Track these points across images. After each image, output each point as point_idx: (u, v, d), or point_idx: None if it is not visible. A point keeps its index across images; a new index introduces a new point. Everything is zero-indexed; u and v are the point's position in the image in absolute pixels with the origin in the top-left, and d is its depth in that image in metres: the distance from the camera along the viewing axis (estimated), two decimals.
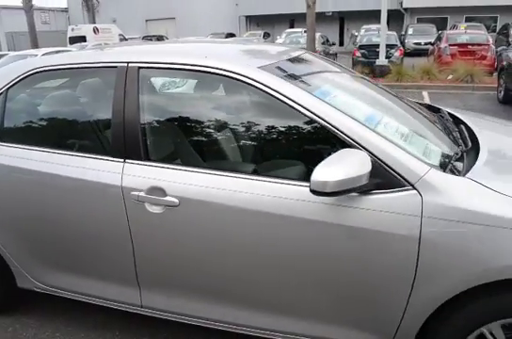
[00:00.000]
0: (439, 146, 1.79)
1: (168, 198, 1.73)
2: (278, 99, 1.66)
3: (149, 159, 1.82)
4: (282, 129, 1.80)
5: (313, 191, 1.43)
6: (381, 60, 11.67)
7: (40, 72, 2.05)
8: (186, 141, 1.95)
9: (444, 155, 1.70)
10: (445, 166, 1.61)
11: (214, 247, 1.74)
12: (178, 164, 1.80)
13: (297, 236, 1.62)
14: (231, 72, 1.73)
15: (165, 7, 30.68)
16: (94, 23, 28.37)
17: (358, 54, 13.21)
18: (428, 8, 23.65)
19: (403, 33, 22.43)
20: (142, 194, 1.77)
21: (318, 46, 14.20)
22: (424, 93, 9.99)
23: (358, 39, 15.17)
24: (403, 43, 21.03)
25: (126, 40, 24.84)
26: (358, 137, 1.55)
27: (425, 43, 17.86)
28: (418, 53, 17.97)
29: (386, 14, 11.22)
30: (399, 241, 1.51)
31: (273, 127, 1.81)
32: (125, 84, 1.84)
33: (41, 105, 2.16)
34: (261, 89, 1.68)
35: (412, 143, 1.67)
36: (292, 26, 28.22)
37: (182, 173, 1.74)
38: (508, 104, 8.05)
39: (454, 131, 2.13)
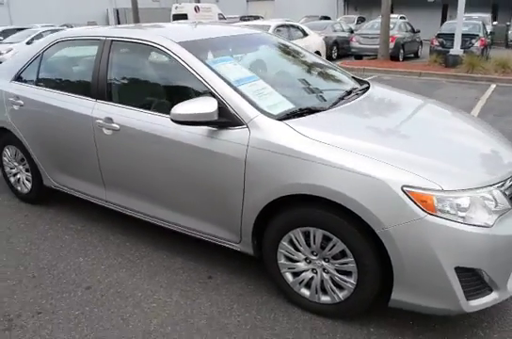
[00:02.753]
0: (294, 103, 2.40)
1: (113, 124, 2.65)
2: (180, 63, 2.44)
3: (110, 100, 2.74)
4: (182, 83, 2.56)
5: (172, 120, 2.22)
6: (455, 50, 11.39)
7: (62, 41, 3.10)
8: (130, 89, 2.80)
9: (287, 109, 2.32)
10: (278, 114, 2.24)
11: (138, 158, 2.60)
12: (122, 103, 2.67)
13: (178, 153, 2.39)
14: (158, 44, 2.55)
15: None
16: (198, 2, 30.19)
17: (436, 42, 12.91)
18: None
19: (508, 23, 20.80)
20: (101, 122, 2.71)
21: (398, 33, 14.07)
22: (492, 86, 9.70)
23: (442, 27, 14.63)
24: (506, 34, 19.60)
25: (225, 19, 26.06)
26: (218, 89, 2.28)
27: None
28: None
29: (464, 1, 10.86)
30: (235, 161, 2.20)
31: (178, 81, 2.59)
32: (102, 50, 2.79)
33: (60, 63, 3.20)
34: (173, 57, 2.48)
35: (265, 98, 2.32)
36: (391, 11, 27.37)
37: (122, 109, 2.64)
38: None
39: (342, 98, 2.67)
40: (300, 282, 2.28)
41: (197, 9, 25.41)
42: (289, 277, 2.31)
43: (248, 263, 2.72)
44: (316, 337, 2.16)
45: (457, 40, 11.24)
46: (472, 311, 1.99)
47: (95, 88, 2.80)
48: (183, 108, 2.18)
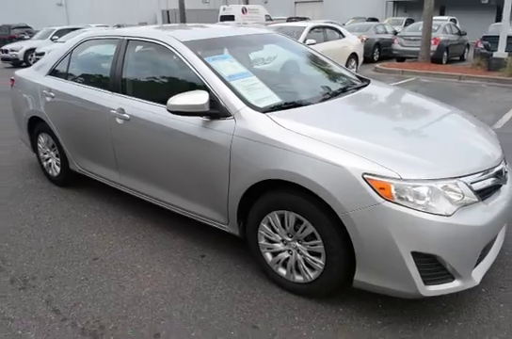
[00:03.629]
0: (283, 97, 2.60)
1: (125, 114, 2.96)
2: (183, 61, 2.71)
3: (123, 93, 3.06)
4: (183, 78, 2.80)
5: (168, 110, 2.48)
6: (499, 53, 11.04)
7: (88, 40, 3.48)
8: (140, 83, 3.09)
9: (273, 102, 2.53)
10: (263, 107, 2.45)
11: (145, 144, 2.89)
12: (133, 96, 2.98)
13: (177, 141, 2.66)
14: (165, 43, 2.84)
15: None
16: (247, 3, 30.68)
17: (480, 45, 12.50)
18: None
19: None
20: (115, 112, 3.03)
21: (442, 35, 13.75)
22: None
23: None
24: None
25: (272, 20, 26.33)
26: (211, 84, 2.52)
27: None
28: None
29: (511, 2, 10.51)
30: (222, 149, 2.44)
31: (180, 76, 2.84)
32: (120, 48, 3.12)
33: (85, 59, 3.56)
34: (177, 55, 2.76)
35: (254, 93, 2.52)
36: (442, 13, 26.66)
37: (133, 101, 2.94)
38: None
39: (334, 94, 2.87)
40: (278, 262, 2.47)
41: (244, 11, 25.85)
42: (268, 257, 2.51)
43: (241, 245, 2.94)
44: (287, 312, 2.35)
45: (502, 43, 10.90)
46: (431, 295, 2.10)
47: (112, 82, 3.13)
48: (177, 100, 2.43)
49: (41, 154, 4.13)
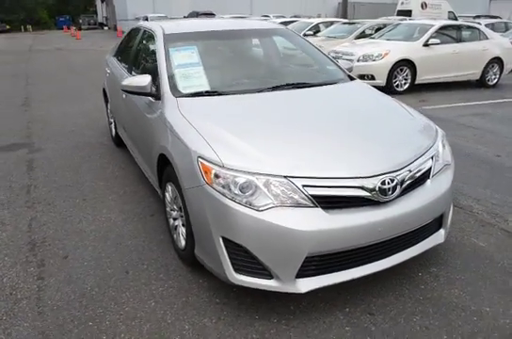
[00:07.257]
0: (213, 87, 2.94)
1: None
2: (156, 48, 3.25)
3: (132, 72, 3.79)
4: (151, 62, 3.30)
5: (121, 90, 3.07)
6: None
7: (133, 29, 4.37)
8: (137, 65, 3.76)
9: (198, 90, 2.88)
10: (182, 93, 2.84)
11: (131, 115, 3.58)
12: (133, 74, 3.66)
13: (140, 115, 3.26)
14: (154, 33, 3.43)
15: None
16: None
17: None
18: None
19: None
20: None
21: None
22: None
23: None
24: None
25: (456, 18, 24.16)
26: (159, 70, 3.00)
27: None
28: None
29: None
30: (152, 123, 2.94)
31: (154, 60, 3.25)
32: (139, 36, 3.88)
33: (125, 44, 4.41)
34: (155, 44, 3.31)
35: (188, 81, 2.91)
36: None
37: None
38: None
39: (275, 87, 3.05)
40: (173, 228, 2.89)
41: (423, 6, 24.20)
42: (170, 222, 2.94)
43: None
44: (161, 270, 2.73)
45: None
46: (239, 284, 2.19)
47: (129, 63, 3.97)
48: (127, 81, 3.02)
49: (108, 119, 5.23)
